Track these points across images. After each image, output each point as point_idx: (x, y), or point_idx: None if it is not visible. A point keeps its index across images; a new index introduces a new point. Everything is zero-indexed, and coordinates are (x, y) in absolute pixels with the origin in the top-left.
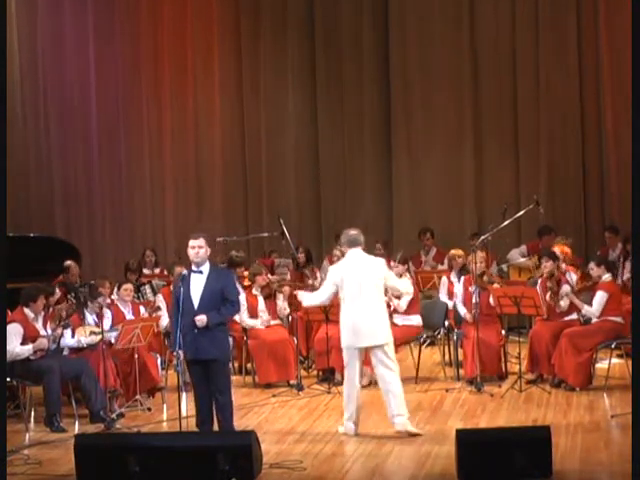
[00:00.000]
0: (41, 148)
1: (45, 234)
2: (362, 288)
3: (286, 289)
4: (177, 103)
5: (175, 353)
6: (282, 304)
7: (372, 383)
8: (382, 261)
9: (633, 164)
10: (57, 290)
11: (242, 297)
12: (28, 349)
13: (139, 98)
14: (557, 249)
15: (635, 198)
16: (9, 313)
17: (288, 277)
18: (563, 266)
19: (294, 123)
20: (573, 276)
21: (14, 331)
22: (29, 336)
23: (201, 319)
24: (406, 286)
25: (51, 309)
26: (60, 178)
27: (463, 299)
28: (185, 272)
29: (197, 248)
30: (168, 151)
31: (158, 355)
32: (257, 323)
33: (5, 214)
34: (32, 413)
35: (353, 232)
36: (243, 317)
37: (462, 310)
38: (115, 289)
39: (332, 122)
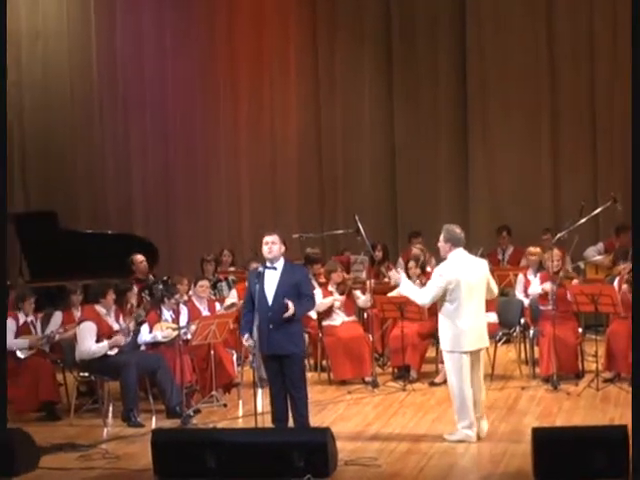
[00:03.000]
0: (120, 148)
1: (126, 232)
2: (473, 290)
3: (370, 282)
4: (253, 100)
5: (245, 338)
6: (367, 296)
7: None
8: (485, 262)
9: (633, 164)
10: (134, 287)
11: (318, 293)
12: (104, 346)
13: (215, 96)
14: None
15: (635, 198)
16: (77, 312)
17: (364, 274)
18: None
19: (370, 120)
20: None
21: (88, 329)
22: (103, 332)
23: (290, 311)
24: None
25: (129, 305)
26: (139, 178)
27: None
28: (260, 268)
29: (271, 244)
30: (244, 148)
31: (234, 351)
32: (329, 300)
33: (5, 212)
34: (110, 408)
35: (458, 230)
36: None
37: (537, 289)
38: (192, 286)
39: (408, 120)
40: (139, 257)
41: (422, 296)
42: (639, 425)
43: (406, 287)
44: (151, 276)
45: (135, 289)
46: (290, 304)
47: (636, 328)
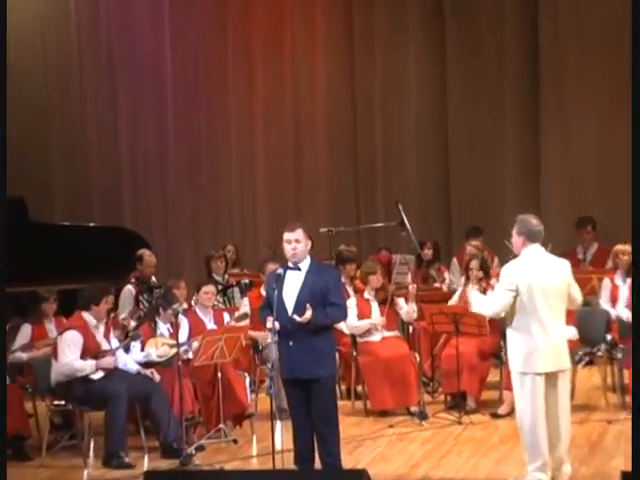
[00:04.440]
0: (105, 123)
1: (109, 224)
2: (550, 296)
3: (413, 288)
4: (271, 65)
5: (269, 319)
6: (410, 306)
7: (513, 411)
8: (566, 263)
9: (633, 163)
10: (133, 288)
11: (351, 301)
12: (90, 364)
13: (224, 59)
14: None
15: (635, 198)
16: (50, 324)
17: (409, 278)
18: None
19: (416, 90)
20: None
21: (73, 340)
22: (88, 348)
23: (305, 317)
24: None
25: (112, 315)
26: (129, 158)
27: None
28: (280, 270)
29: (294, 242)
30: (260, 125)
31: (247, 374)
32: (365, 324)
33: (5, 211)
34: (91, 445)
35: (534, 221)
36: (350, 321)
37: (625, 314)
38: (194, 293)
39: (465, 89)
40: (147, 252)
41: (489, 305)
42: (638, 422)
43: (478, 302)
44: (154, 279)
45: (111, 299)
46: (308, 313)
47: (636, 327)
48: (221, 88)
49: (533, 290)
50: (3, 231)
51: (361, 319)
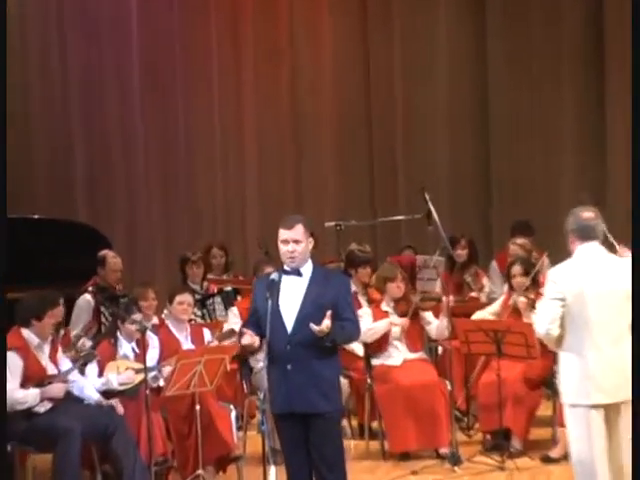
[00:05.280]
0: (53, 95)
1: (60, 217)
2: (609, 308)
3: (445, 299)
4: (264, 19)
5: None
6: (440, 321)
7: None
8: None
9: (633, 163)
10: (91, 298)
11: (366, 315)
12: (34, 395)
13: (205, 17)
14: None
15: (635, 198)
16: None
17: (438, 286)
18: None
19: (447, 54)
20: None
21: (10, 365)
22: (31, 373)
23: (321, 329)
24: None
25: (61, 332)
26: (82, 139)
27: None
28: (274, 275)
29: (292, 243)
30: (249, 94)
31: (232, 407)
32: (383, 325)
33: (5, 212)
34: None
35: (587, 215)
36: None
37: None
38: (166, 304)
39: (509, 53)
40: (110, 254)
41: (545, 320)
42: (638, 422)
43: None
44: (120, 286)
45: (61, 309)
46: (327, 321)
47: (636, 328)
48: (201, 57)
49: (585, 300)
50: (3, 231)
51: (378, 339)
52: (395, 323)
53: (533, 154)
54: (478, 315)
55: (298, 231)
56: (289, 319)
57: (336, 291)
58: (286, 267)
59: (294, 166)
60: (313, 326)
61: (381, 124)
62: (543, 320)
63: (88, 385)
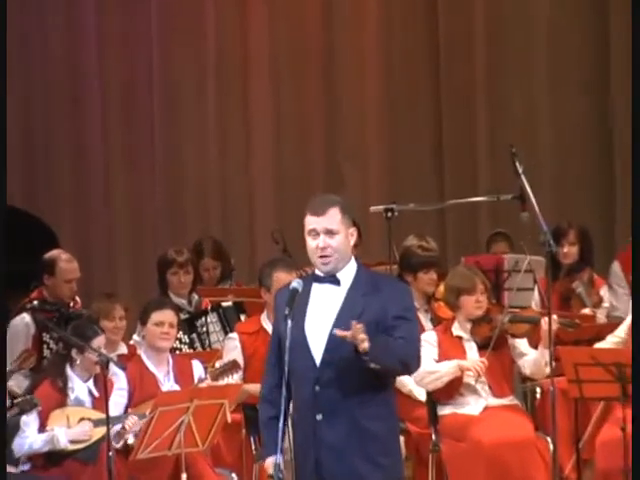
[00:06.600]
0: None
1: None
2: None
3: (546, 321)
4: None
5: (272, 465)
6: (540, 353)
7: None
8: None
9: (633, 163)
10: (30, 319)
11: (429, 335)
12: None
13: None
14: None
15: (635, 198)
16: None
17: (536, 299)
18: None
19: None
20: None
21: None
22: None
23: (352, 333)
24: None
25: None
26: (16, 100)
27: None
28: (296, 283)
29: (324, 235)
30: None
31: (234, 476)
32: (453, 367)
33: (5, 211)
34: None
35: None
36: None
37: None
38: (138, 326)
39: None
40: (61, 255)
41: None
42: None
43: None
44: (77, 299)
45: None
46: (362, 334)
47: (636, 328)
48: None
49: None
50: (3, 231)
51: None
52: (465, 366)
53: None
54: (598, 346)
55: (333, 218)
56: (317, 348)
57: (389, 301)
58: (316, 271)
59: (324, 130)
60: (338, 332)
61: (451, 69)
62: None
63: (34, 436)
